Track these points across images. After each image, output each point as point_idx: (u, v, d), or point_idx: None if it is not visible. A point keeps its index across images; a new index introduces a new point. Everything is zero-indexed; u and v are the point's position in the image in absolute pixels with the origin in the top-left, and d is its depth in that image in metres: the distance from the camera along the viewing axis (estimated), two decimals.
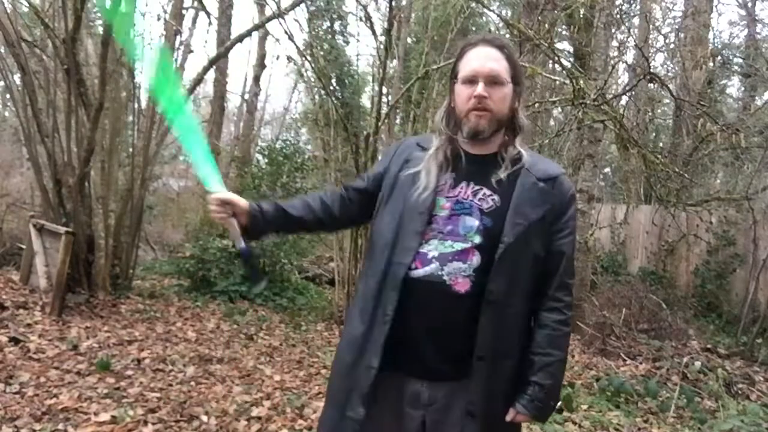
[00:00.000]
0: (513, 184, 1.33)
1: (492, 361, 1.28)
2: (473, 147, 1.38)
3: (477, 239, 1.29)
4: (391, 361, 1.29)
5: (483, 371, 1.27)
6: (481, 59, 1.33)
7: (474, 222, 1.30)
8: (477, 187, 1.34)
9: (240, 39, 5.87)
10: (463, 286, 1.27)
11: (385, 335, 1.28)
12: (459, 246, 1.29)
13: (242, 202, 1.43)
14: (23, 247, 5.43)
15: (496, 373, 1.30)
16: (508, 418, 1.33)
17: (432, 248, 1.30)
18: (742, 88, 12.09)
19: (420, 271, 1.29)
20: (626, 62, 8.21)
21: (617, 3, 7.60)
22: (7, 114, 12.84)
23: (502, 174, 1.33)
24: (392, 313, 1.28)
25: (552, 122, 11.43)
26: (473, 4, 7.21)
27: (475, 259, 1.28)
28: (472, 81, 1.32)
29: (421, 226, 1.31)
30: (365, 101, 9.75)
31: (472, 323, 1.26)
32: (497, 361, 1.29)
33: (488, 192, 1.33)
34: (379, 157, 1.51)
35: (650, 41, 9.39)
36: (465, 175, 1.36)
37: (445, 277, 1.28)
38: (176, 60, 6.68)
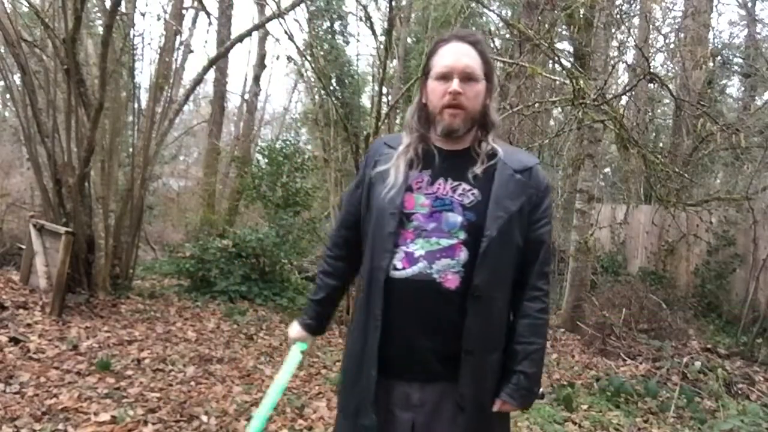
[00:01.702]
0: (490, 178, 1.32)
1: (480, 354, 1.29)
2: (446, 143, 1.37)
3: (462, 235, 1.29)
4: (384, 366, 1.30)
5: (471, 365, 1.28)
6: (456, 55, 1.32)
7: (457, 218, 1.30)
8: (455, 183, 1.33)
9: (240, 39, 5.87)
10: (453, 282, 1.27)
11: (378, 341, 1.29)
12: (445, 242, 1.28)
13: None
14: (23, 247, 5.43)
15: (484, 367, 1.31)
16: (495, 408, 1.34)
17: (418, 247, 1.29)
18: (742, 88, 12.10)
19: (408, 271, 1.28)
20: (626, 62, 8.20)
21: (617, 3, 7.60)
22: (7, 114, 12.83)
23: (479, 169, 1.32)
24: (381, 318, 1.29)
25: (552, 122, 11.43)
26: (473, 4, 7.21)
27: (463, 255, 1.28)
28: (446, 77, 1.31)
29: (393, 227, 1.30)
30: (365, 101, 9.76)
31: (462, 319, 1.27)
32: (485, 354, 1.31)
33: (467, 187, 1.32)
34: None
35: (650, 41, 9.40)
36: (441, 172, 1.34)
37: (435, 275, 1.27)
38: (176, 60, 6.68)
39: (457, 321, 1.27)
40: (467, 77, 1.31)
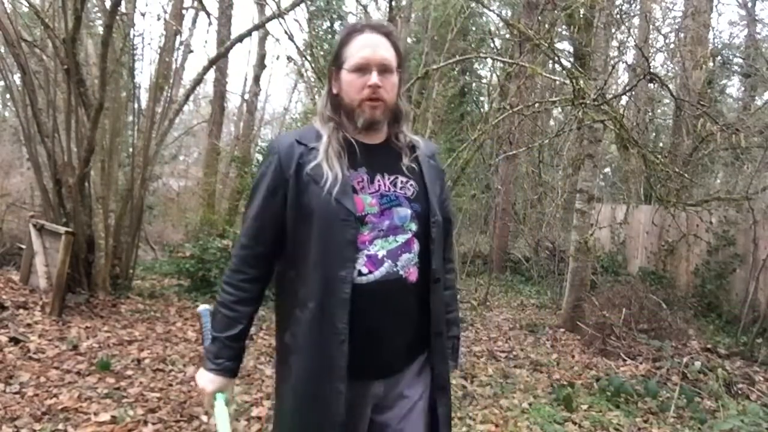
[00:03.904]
0: (417, 168, 1.37)
1: (443, 334, 1.38)
2: (365, 137, 1.34)
3: (413, 227, 1.31)
4: (350, 373, 1.24)
5: (440, 345, 1.37)
6: (372, 47, 1.28)
7: (407, 211, 1.31)
8: (392, 177, 1.32)
9: (240, 39, 5.87)
10: (413, 274, 1.31)
11: (346, 355, 1.22)
12: (402, 238, 1.29)
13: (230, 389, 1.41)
14: (23, 247, 5.43)
15: (444, 344, 1.40)
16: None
17: (378, 248, 1.26)
18: (742, 88, 12.11)
19: (376, 273, 1.26)
20: (626, 62, 8.22)
21: (617, 3, 7.60)
22: (7, 114, 12.84)
23: (407, 161, 1.35)
24: (345, 331, 1.21)
25: (552, 122, 11.45)
26: (473, 4, 7.21)
27: (416, 246, 1.31)
28: (363, 69, 1.27)
29: (351, 235, 1.23)
30: None
31: (419, 307, 1.32)
32: (444, 333, 1.39)
33: (404, 179, 1.33)
34: (261, 182, 1.32)
35: (650, 41, 9.40)
36: (376, 167, 1.31)
37: (401, 272, 1.28)
38: (176, 60, 6.68)
39: (416, 310, 1.32)
40: (384, 69, 1.28)
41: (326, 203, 1.23)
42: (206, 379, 1.33)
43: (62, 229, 4.52)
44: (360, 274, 1.24)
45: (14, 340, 3.65)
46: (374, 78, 1.26)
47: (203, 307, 1.50)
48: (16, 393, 2.92)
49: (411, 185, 1.33)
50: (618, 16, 6.99)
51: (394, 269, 1.27)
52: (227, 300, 1.34)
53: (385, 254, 1.27)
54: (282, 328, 1.34)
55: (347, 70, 1.29)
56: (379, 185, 1.30)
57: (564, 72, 4.69)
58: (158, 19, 6.05)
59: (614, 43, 8.20)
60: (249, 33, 6.05)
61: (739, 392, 4.04)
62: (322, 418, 1.24)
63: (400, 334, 1.32)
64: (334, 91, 1.34)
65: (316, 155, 1.27)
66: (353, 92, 1.29)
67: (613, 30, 7.08)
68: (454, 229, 1.52)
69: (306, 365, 1.26)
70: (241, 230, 1.37)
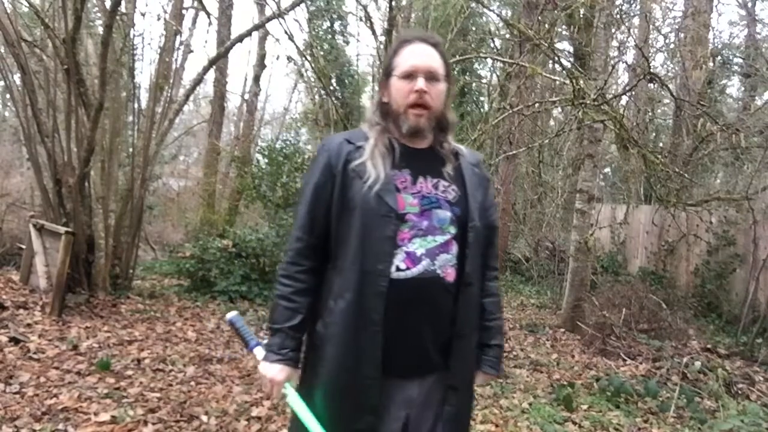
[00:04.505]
0: (460, 174, 1.42)
1: (468, 337, 1.40)
2: (410, 141, 1.40)
3: (452, 229, 1.35)
4: (386, 368, 1.30)
5: (461, 348, 1.38)
6: (420, 56, 1.36)
7: (447, 214, 1.35)
8: (434, 180, 1.38)
9: (240, 39, 5.87)
10: (451, 275, 1.34)
11: (380, 345, 1.28)
12: (440, 239, 1.33)
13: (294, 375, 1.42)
14: (23, 247, 5.43)
15: (469, 348, 1.42)
16: (479, 381, 1.49)
17: (417, 246, 1.31)
18: (742, 88, 12.10)
19: (414, 270, 1.30)
20: (626, 62, 8.21)
21: (617, 3, 7.59)
22: (7, 114, 12.85)
23: (450, 167, 1.40)
24: (380, 323, 1.28)
25: (552, 122, 11.43)
26: (473, 4, 7.21)
27: (455, 248, 1.35)
28: (411, 76, 1.34)
29: (392, 231, 1.29)
30: (365, 101, 9.76)
31: (455, 308, 1.36)
32: (471, 336, 1.42)
33: (446, 183, 1.38)
34: (313, 171, 1.38)
35: (650, 41, 9.39)
36: (419, 170, 1.37)
37: (438, 271, 1.32)
38: (176, 60, 6.68)
39: (452, 310, 1.35)
40: (431, 77, 1.34)
41: (369, 198, 1.30)
42: (275, 370, 1.36)
43: (62, 229, 4.52)
44: (398, 269, 1.29)
45: (14, 340, 3.65)
46: (420, 83, 1.32)
47: (231, 314, 1.54)
48: (16, 393, 2.92)
49: (452, 190, 1.38)
50: (618, 16, 6.99)
51: (432, 267, 1.31)
52: (286, 292, 1.38)
53: (423, 252, 1.31)
54: (314, 318, 1.40)
55: (396, 77, 1.36)
56: (421, 187, 1.36)
57: (564, 72, 4.69)
58: (158, 19, 6.06)
59: (614, 43, 8.20)
60: (249, 33, 6.05)
61: (739, 392, 4.04)
62: (355, 407, 1.30)
63: (435, 332, 1.34)
64: (384, 99, 1.41)
65: (362, 153, 1.34)
66: (400, 98, 1.35)
67: (613, 30, 7.08)
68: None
69: (338, 354, 1.32)
70: (294, 225, 1.43)
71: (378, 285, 1.28)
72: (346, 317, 1.30)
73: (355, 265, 1.30)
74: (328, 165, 1.36)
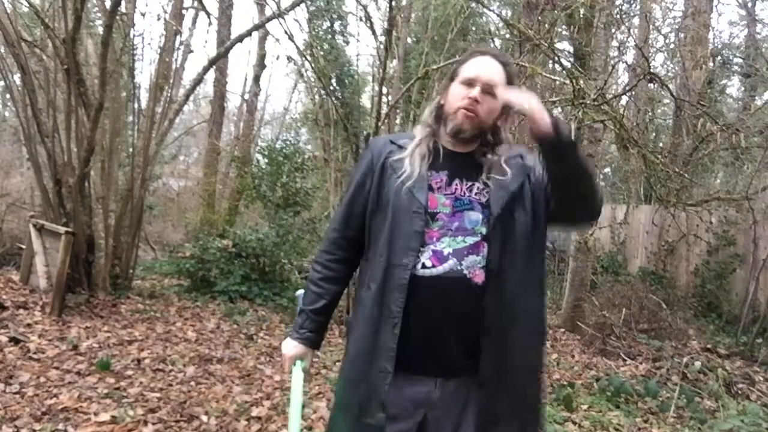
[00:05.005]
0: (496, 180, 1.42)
1: (498, 333, 1.31)
2: (453, 144, 1.42)
3: (483, 230, 1.34)
4: (400, 362, 1.30)
5: (489, 344, 1.30)
6: (484, 67, 1.38)
7: (478, 215, 1.35)
8: (470, 183, 1.38)
9: (240, 39, 5.87)
10: (480, 277, 1.32)
11: (396, 338, 1.30)
12: (470, 240, 1.33)
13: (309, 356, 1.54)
14: (23, 247, 5.43)
15: (503, 344, 1.32)
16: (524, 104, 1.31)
17: (445, 245, 1.32)
18: (742, 88, 12.09)
19: (439, 269, 1.31)
20: (626, 62, 8.20)
21: (617, 3, 7.59)
22: (7, 114, 12.85)
23: (486, 174, 1.38)
24: (399, 315, 1.29)
25: None
26: (473, 4, 7.21)
27: (485, 250, 1.33)
28: (470, 84, 1.36)
29: (420, 226, 1.32)
30: (365, 101, 9.75)
31: (480, 310, 1.31)
32: (503, 333, 1.31)
33: (481, 186, 1.38)
34: (360, 167, 1.47)
35: (650, 41, 9.38)
36: (456, 172, 1.39)
37: (465, 271, 1.31)
38: (176, 60, 6.68)
39: (480, 314, 1.31)
40: (489, 90, 1.35)
41: (401, 193, 1.35)
42: (290, 346, 1.50)
43: (62, 229, 4.52)
44: (424, 266, 1.31)
45: (14, 340, 3.65)
46: (476, 92, 1.34)
47: (300, 292, 1.61)
48: (16, 393, 2.92)
49: (486, 192, 1.38)
50: (618, 16, 6.99)
51: (458, 267, 1.31)
52: (315, 277, 1.50)
53: (450, 252, 1.32)
54: (353, 308, 1.49)
55: (457, 83, 1.40)
56: (456, 188, 1.38)
57: (564, 72, 4.69)
58: (158, 19, 6.04)
59: (614, 43, 8.18)
60: (249, 33, 6.05)
61: (739, 392, 4.04)
62: (367, 399, 1.31)
63: (459, 332, 1.32)
64: (442, 102, 1.44)
65: (403, 152, 1.40)
66: (454, 100, 1.38)
67: (613, 30, 7.08)
68: None
69: (358, 343, 1.38)
70: (333, 216, 1.52)
71: (400, 278, 1.30)
72: (369, 308, 1.35)
73: (382, 258, 1.34)
74: (369, 163, 1.44)
